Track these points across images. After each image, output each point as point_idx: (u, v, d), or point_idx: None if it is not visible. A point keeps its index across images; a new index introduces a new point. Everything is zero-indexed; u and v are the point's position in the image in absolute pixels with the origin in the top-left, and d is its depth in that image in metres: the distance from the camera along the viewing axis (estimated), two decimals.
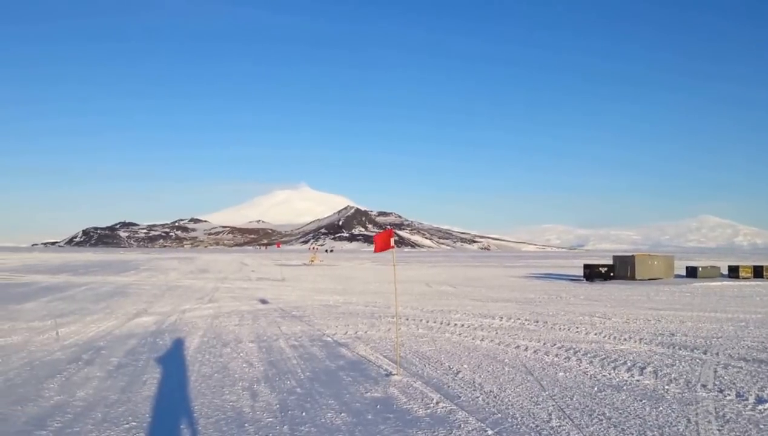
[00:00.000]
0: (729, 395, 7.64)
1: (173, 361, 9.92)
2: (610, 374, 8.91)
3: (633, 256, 36.19)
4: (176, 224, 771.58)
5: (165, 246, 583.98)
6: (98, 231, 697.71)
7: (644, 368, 9.31)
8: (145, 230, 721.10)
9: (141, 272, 43.10)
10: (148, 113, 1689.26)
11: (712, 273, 38.09)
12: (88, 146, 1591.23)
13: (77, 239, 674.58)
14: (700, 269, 37.89)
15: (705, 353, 10.71)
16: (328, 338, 12.34)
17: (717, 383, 8.33)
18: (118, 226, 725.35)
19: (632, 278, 34.51)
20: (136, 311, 17.07)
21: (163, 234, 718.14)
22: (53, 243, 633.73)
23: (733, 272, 37.65)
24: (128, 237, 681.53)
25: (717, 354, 10.58)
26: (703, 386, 8.13)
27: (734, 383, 8.28)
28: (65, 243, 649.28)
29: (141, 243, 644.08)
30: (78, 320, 15.00)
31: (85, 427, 6.23)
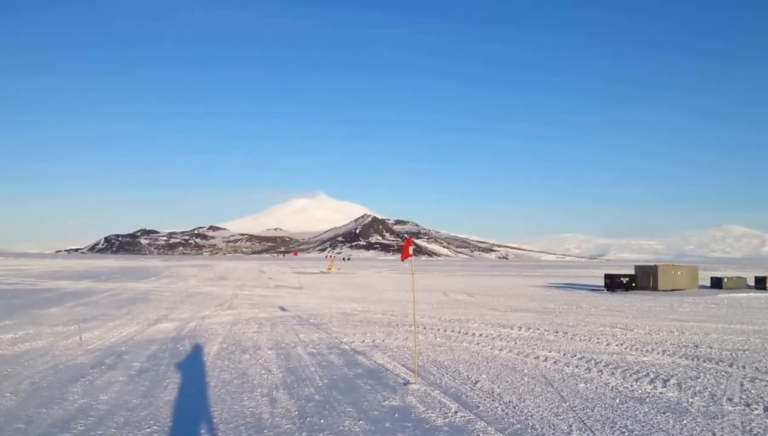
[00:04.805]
0: (756, 409, 7.44)
1: (193, 367, 10.04)
2: (632, 385, 8.75)
3: (655, 266, 35.53)
4: (195, 232, 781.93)
5: (184, 253, 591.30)
6: (120, 238, 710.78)
7: (667, 380, 9.12)
8: (165, 238, 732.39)
9: (161, 278, 43.76)
10: (167, 121, 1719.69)
11: (738, 284, 37.15)
12: (109, 154, 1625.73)
13: (99, 246, 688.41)
14: (725, 279, 36.98)
15: (731, 365, 10.45)
16: (346, 346, 12.36)
17: (743, 396, 8.12)
18: (139, 233, 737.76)
19: (655, 288, 33.87)
20: (156, 317, 17.33)
21: (183, 241, 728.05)
22: (76, 250, 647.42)
23: (760, 283, 36.65)
24: (149, 244, 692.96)
25: (743, 367, 10.32)
26: (729, 399, 7.93)
27: (762, 397, 8.06)
28: (88, 250, 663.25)
29: (161, 250, 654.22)
30: (101, 326, 15.29)
31: (108, 430, 6.34)
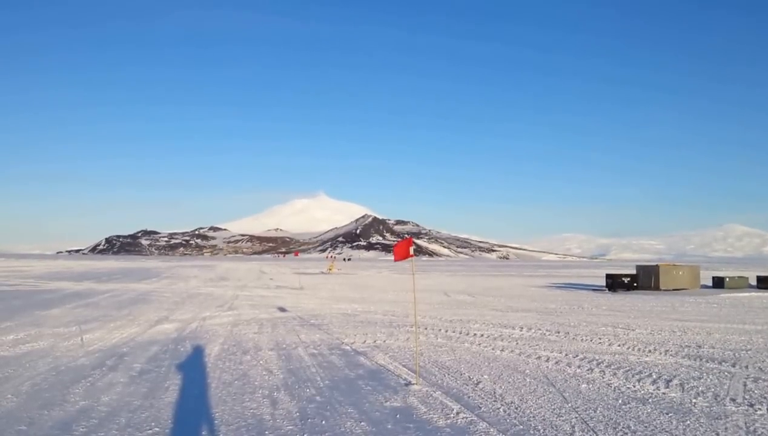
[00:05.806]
0: (760, 409, 7.40)
1: (194, 368, 10.02)
2: (634, 386, 8.72)
3: (657, 266, 35.48)
4: (196, 233, 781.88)
5: (185, 254, 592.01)
6: (120, 239, 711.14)
7: (670, 380, 9.09)
8: (166, 238, 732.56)
9: (162, 279, 43.75)
10: (168, 122, 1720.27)
11: (740, 284, 37.09)
12: (109, 155, 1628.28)
13: (100, 247, 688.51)
14: (727, 279, 36.93)
15: (734, 365, 10.42)
16: (347, 347, 12.33)
17: (747, 396, 8.08)
18: (139, 234, 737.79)
19: (656, 288, 33.82)
20: (157, 318, 17.31)
21: (184, 242, 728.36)
22: (77, 251, 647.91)
23: (762, 283, 36.59)
24: (149, 245, 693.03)
25: (746, 367, 10.28)
26: (732, 399, 7.90)
27: (765, 397, 8.02)
28: (89, 251, 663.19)
29: (162, 251, 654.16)
30: (102, 327, 15.27)
31: (109, 432, 6.32)
